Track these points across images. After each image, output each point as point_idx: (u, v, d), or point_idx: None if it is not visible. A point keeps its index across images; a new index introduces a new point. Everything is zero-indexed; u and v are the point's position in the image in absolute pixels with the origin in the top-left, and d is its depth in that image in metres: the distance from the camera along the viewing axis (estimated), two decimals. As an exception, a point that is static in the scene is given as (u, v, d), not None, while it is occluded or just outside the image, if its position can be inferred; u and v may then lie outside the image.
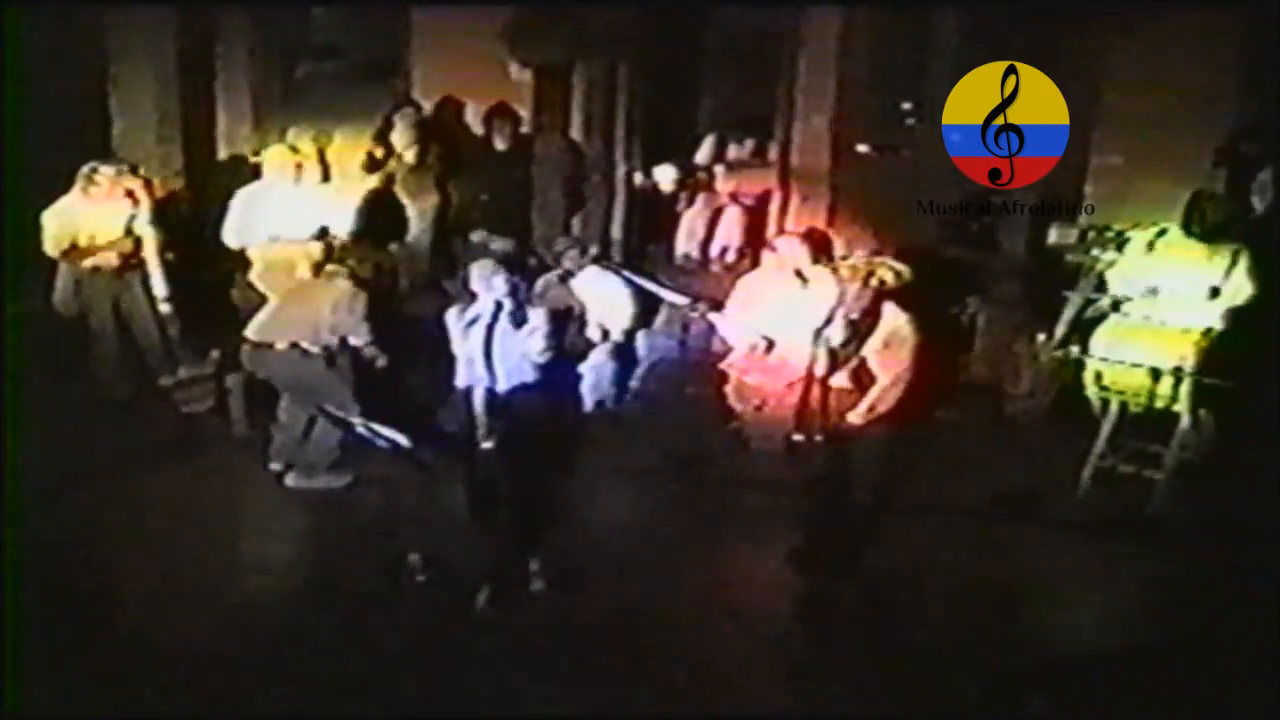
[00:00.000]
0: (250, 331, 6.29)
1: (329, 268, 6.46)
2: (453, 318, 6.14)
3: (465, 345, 6.05)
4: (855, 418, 5.33)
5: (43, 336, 7.21)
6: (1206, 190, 6.79)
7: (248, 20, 8.99)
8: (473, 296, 6.11)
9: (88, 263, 7.08)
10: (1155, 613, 5.55)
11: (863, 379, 5.40)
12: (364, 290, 6.21)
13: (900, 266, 5.57)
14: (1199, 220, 6.46)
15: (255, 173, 7.76)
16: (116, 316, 7.24)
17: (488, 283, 6.01)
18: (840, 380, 5.46)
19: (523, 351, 6.01)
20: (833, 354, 5.51)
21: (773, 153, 9.02)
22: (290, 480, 6.37)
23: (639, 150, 9.13)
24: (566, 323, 6.60)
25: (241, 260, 7.40)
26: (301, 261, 6.71)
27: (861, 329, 5.43)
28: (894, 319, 5.38)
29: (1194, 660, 5.02)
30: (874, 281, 5.50)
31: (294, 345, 6.16)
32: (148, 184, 7.26)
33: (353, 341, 6.20)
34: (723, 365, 7.01)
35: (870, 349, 5.43)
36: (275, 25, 9.10)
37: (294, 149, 7.62)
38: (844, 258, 6.49)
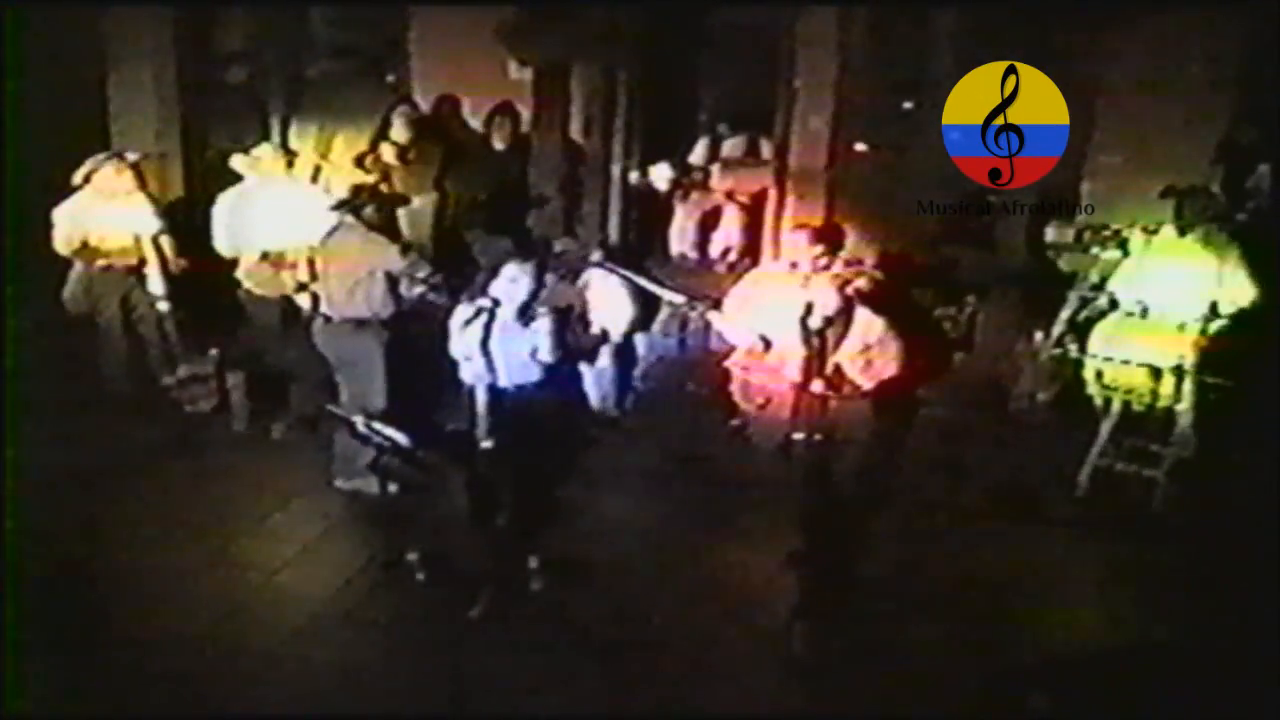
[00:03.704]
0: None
1: (342, 219, 6.40)
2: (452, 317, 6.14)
3: (463, 344, 6.05)
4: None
5: (44, 336, 7.21)
6: (1177, 184, 6.81)
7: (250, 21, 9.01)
8: (481, 294, 6.11)
9: (98, 262, 7.09)
10: (1154, 612, 5.55)
11: (840, 386, 5.42)
12: (382, 233, 6.35)
13: (876, 274, 5.58)
14: (1184, 214, 6.52)
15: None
16: (125, 314, 7.25)
17: (515, 283, 5.99)
18: (817, 386, 5.46)
19: (531, 349, 6.01)
20: (808, 359, 5.51)
21: (766, 150, 9.02)
22: (338, 482, 6.40)
23: (638, 149, 9.12)
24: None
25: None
26: (302, 262, 6.69)
27: (832, 333, 5.43)
28: (869, 324, 5.39)
29: (1194, 659, 5.03)
30: (849, 289, 5.52)
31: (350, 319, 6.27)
32: (140, 176, 7.23)
33: (394, 268, 6.27)
34: (727, 364, 7.02)
35: (845, 355, 5.43)
36: (279, 26, 9.09)
37: (287, 149, 7.58)
38: (825, 267, 6.50)
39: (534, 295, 6.03)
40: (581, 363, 6.91)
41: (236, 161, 7.45)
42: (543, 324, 6.00)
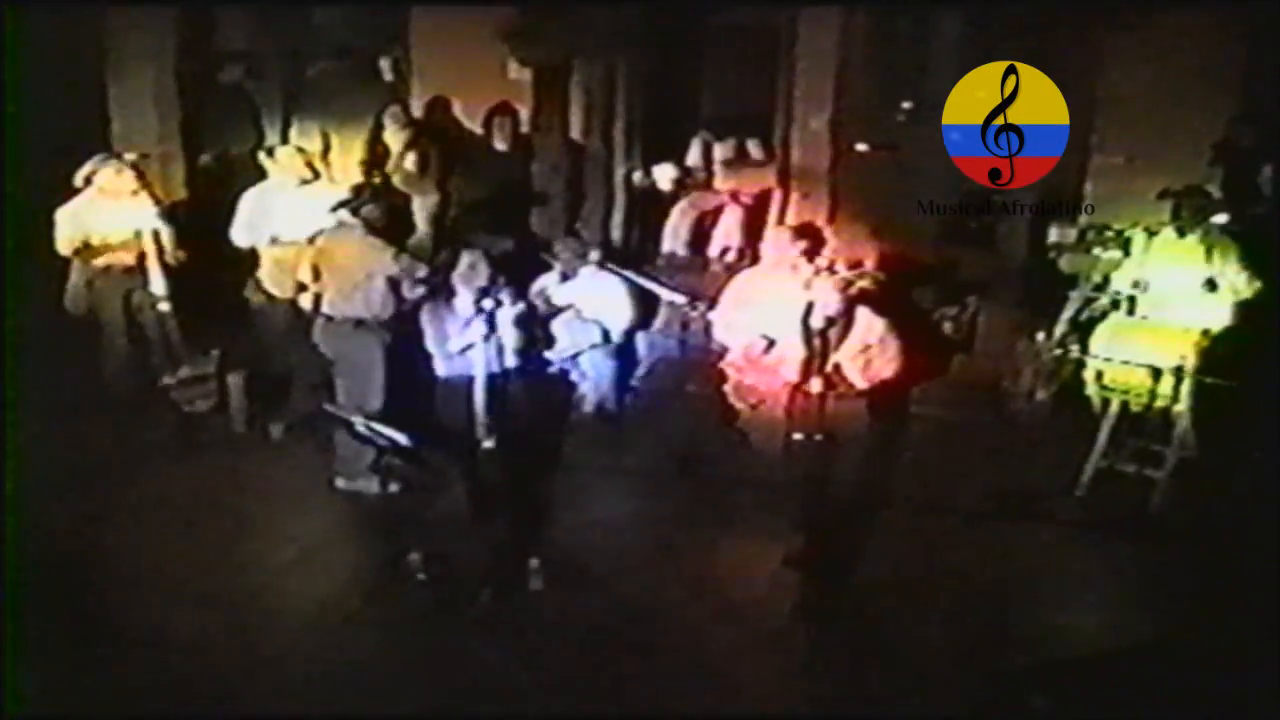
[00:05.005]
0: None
1: (342, 218, 6.40)
2: (449, 313, 6.14)
3: (463, 340, 6.05)
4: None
5: (44, 336, 7.21)
6: (1173, 186, 6.82)
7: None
8: (444, 281, 6.12)
9: (99, 261, 7.09)
10: (1155, 612, 5.55)
11: (838, 386, 5.42)
12: (381, 235, 6.34)
13: (878, 275, 5.62)
14: (1181, 215, 6.54)
15: (260, 172, 7.74)
16: (127, 314, 7.25)
17: (468, 277, 6.01)
18: (815, 385, 5.46)
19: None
20: (808, 359, 5.52)
21: (755, 151, 9.03)
22: (339, 483, 6.40)
23: (638, 149, 9.13)
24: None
25: (250, 258, 7.38)
26: (304, 262, 6.68)
27: (833, 333, 5.44)
28: (869, 325, 5.40)
29: (1194, 660, 5.02)
30: (852, 291, 5.54)
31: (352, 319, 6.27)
32: (140, 175, 7.24)
33: (391, 273, 6.25)
34: (722, 364, 7.02)
35: (845, 355, 5.44)
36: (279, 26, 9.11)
37: (301, 149, 7.60)
38: (829, 269, 6.50)
39: (493, 281, 6.04)
40: (564, 360, 6.92)
41: (263, 160, 7.51)
42: (510, 320, 6.01)
